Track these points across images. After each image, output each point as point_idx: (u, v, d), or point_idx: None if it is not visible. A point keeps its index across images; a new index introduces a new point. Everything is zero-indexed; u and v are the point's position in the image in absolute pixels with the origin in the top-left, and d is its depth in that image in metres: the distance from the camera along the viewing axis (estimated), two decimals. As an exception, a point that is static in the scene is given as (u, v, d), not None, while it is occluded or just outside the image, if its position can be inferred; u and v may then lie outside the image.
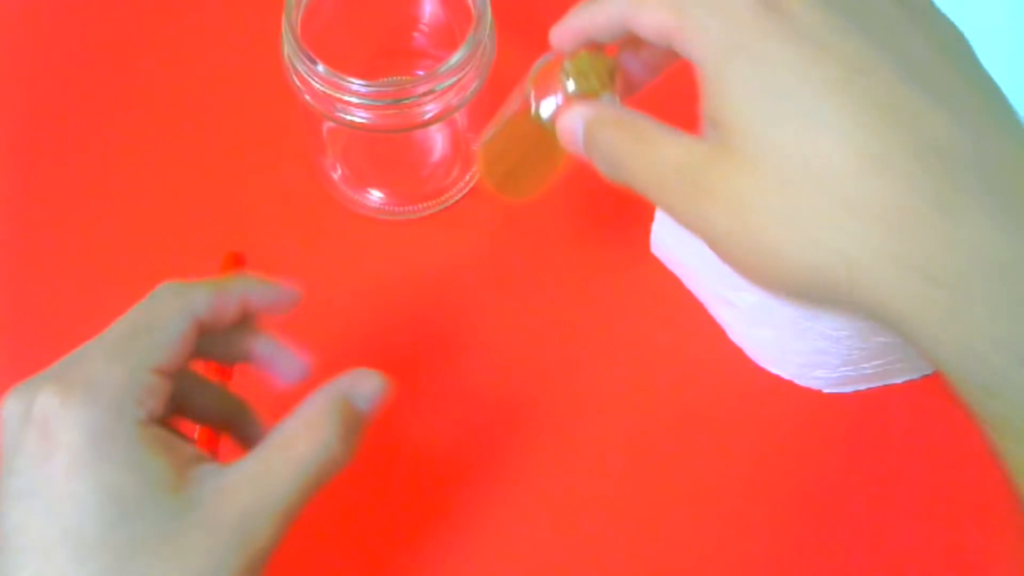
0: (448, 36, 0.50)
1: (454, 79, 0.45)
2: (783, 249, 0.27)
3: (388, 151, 0.55)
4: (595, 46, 0.36)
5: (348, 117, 0.45)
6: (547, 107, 0.38)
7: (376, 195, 0.54)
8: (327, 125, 0.52)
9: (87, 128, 0.56)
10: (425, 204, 0.54)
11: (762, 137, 0.27)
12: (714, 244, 0.29)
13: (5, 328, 0.51)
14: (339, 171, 0.54)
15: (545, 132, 0.38)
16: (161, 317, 0.34)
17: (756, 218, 0.27)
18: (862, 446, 0.49)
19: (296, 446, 0.34)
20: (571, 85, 0.36)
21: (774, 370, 0.50)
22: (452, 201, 0.54)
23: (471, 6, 0.46)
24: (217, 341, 0.37)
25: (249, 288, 0.37)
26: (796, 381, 0.50)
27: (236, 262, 0.52)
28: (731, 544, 0.47)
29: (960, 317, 0.25)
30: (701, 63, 0.29)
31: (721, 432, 0.49)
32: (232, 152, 0.55)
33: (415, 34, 0.54)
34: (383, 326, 0.51)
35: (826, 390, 0.50)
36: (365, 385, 0.36)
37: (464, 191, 0.54)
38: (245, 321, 0.37)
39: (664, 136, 0.31)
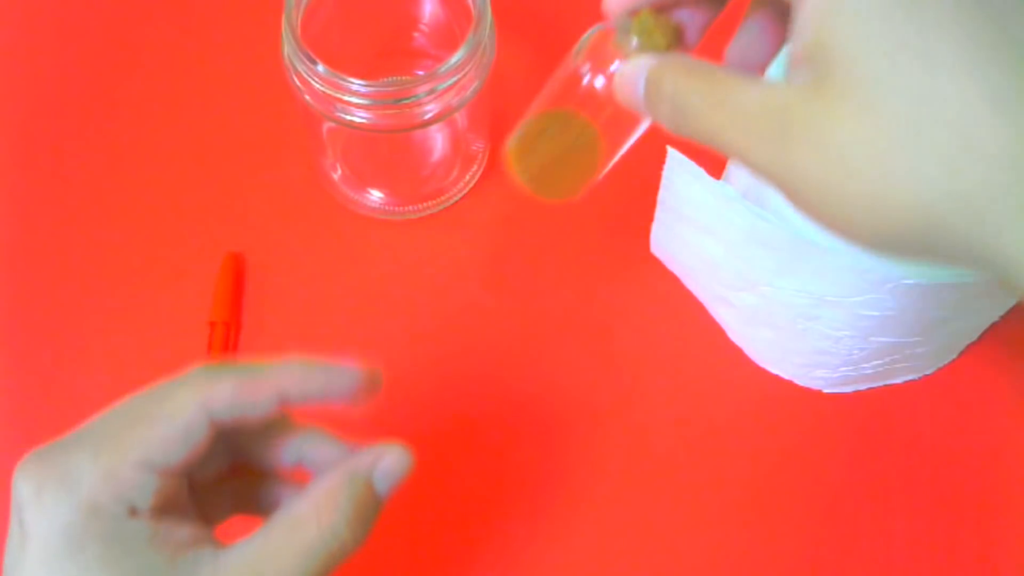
0: (448, 36, 0.50)
1: (454, 79, 0.45)
2: (890, 194, 0.25)
3: (388, 151, 0.55)
4: (654, 8, 0.33)
5: (348, 117, 0.45)
6: (603, 78, 0.35)
7: (376, 195, 0.54)
8: (327, 125, 0.52)
9: (87, 128, 0.56)
10: (425, 204, 0.54)
11: (869, 72, 0.25)
12: (801, 195, 0.27)
13: (5, 328, 0.51)
14: (339, 171, 0.54)
15: (594, 113, 0.36)
16: (169, 409, 0.31)
17: (858, 162, 0.25)
18: (862, 446, 0.49)
19: (303, 530, 0.31)
20: (635, 43, 0.33)
21: (774, 370, 0.50)
22: (452, 201, 0.54)
23: (471, 6, 0.46)
24: (254, 441, 0.33)
25: (288, 378, 0.32)
26: (796, 381, 0.50)
27: (236, 262, 0.52)
28: (731, 543, 0.47)
29: None
30: None
31: (721, 432, 0.49)
32: (232, 152, 0.55)
33: (415, 34, 0.54)
34: (383, 326, 0.51)
35: (826, 390, 0.50)
36: (388, 460, 0.33)
37: (464, 191, 0.54)
38: (286, 419, 0.33)
39: (744, 79, 0.28)
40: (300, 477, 0.34)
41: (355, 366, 0.32)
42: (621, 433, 0.49)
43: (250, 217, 0.54)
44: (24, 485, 0.30)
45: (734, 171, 0.48)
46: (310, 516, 0.31)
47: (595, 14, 0.50)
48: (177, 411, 0.31)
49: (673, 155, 0.43)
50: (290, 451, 0.34)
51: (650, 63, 0.31)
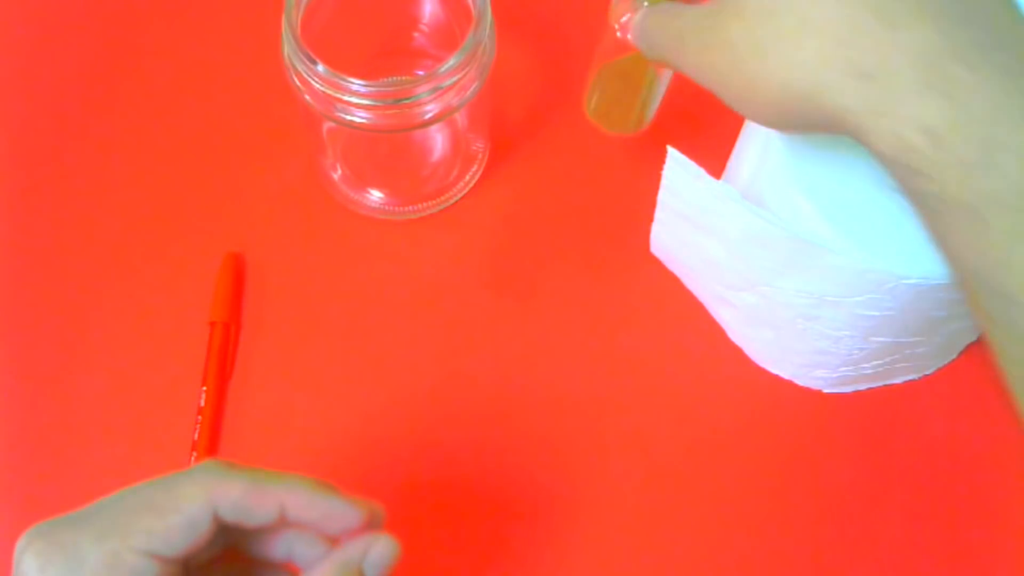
0: (448, 36, 0.50)
1: (454, 79, 0.45)
2: (763, 75, 0.31)
3: (388, 151, 0.55)
4: None
5: (348, 117, 0.45)
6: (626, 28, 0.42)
7: (376, 195, 0.54)
8: (327, 125, 0.52)
9: (87, 128, 0.56)
10: (425, 204, 0.54)
11: None
12: (718, 89, 0.33)
13: (5, 328, 0.52)
14: (339, 171, 0.54)
15: (627, 57, 0.43)
16: (177, 501, 0.32)
17: (742, 54, 0.31)
18: (862, 446, 0.49)
19: None
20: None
21: (774, 370, 0.50)
22: (452, 201, 0.54)
23: (471, 6, 0.46)
24: (248, 533, 0.34)
25: (293, 498, 0.32)
26: (796, 381, 0.50)
27: (236, 262, 0.52)
28: (731, 543, 0.47)
29: (887, 106, 0.28)
30: None
31: (721, 432, 0.49)
32: (232, 152, 0.55)
33: (415, 34, 0.54)
34: (383, 326, 0.51)
35: (826, 390, 0.50)
36: (377, 550, 0.34)
37: (464, 191, 0.54)
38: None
39: (686, 8, 0.35)
40: (291, 568, 0.35)
41: (359, 504, 0.33)
42: (621, 433, 0.49)
43: (250, 217, 0.54)
44: (28, 559, 0.30)
45: (734, 171, 0.48)
46: None
47: (594, 14, 0.50)
48: (184, 504, 0.31)
49: (673, 155, 0.43)
50: (281, 546, 0.34)
51: (643, 10, 0.38)
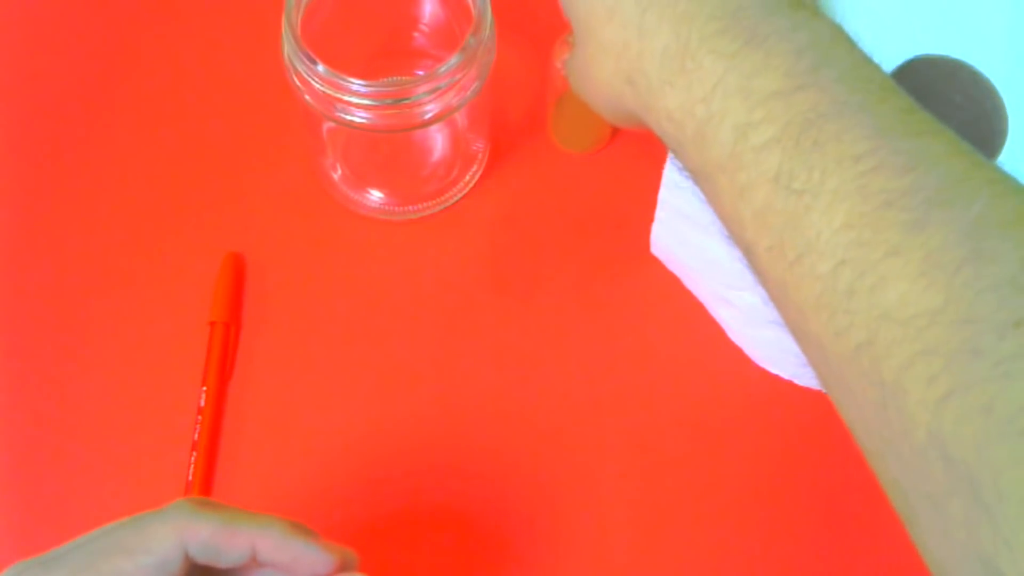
0: (448, 36, 0.50)
1: (454, 79, 0.45)
2: (593, 90, 0.36)
3: (388, 151, 0.55)
4: None
5: (348, 117, 0.45)
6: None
7: (376, 195, 0.54)
8: (327, 125, 0.52)
9: (87, 128, 0.56)
10: (425, 204, 0.54)
11: (587, 26, 0.35)
12: (591, 103, 0.37)
13: (5, 329, 0.52)
14: (339, 171, 0.54)
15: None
16: (148, 542, 0.32)
17: (584, 76, 0.36)
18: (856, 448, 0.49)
19: None
20: (572, 39, 0.45)
21: (774, 370, 0.50)
22: (452, 201, 0.54)
23: (471, 6, 0.46)
24: (217, 571, 0.34)
25: (265, 536, 0.33)
26: (796, 381, 0.50)
27: (236, 262, 0.52)
28: (731, 542, 0.47)
29: (648, 102, 0.33)
30: None
31: (721, 431, 0.49)
32: (232, 152, 0.55)
33: (415, 34, 0.54)
34: (383, 326, 0.51)
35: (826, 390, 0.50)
36: None
37: (464, 191, 0.54)
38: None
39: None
40: None
41: (332, 549, 0.34)
42: (621, 432, 0.49)
43: (250, 217, 0.54)
44: None
45: None
46: None
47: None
48: (155, 545, 0.32)
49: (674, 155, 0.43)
50: None
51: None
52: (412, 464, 0.48)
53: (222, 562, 0.32)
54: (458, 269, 0.53)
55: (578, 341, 0.51)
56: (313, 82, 0.45)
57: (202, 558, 0.32)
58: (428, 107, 0.45)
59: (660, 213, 0.49)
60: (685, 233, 0.48)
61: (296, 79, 0.46)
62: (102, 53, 0.58)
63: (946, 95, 0.43)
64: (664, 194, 0.47)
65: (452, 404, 0.50)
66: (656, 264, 0.52)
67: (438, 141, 0.56)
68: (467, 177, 0.54)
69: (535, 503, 0.47)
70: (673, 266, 0.52)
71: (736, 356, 0.51)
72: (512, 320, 0.51)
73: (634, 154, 0.55)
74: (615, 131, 0.55)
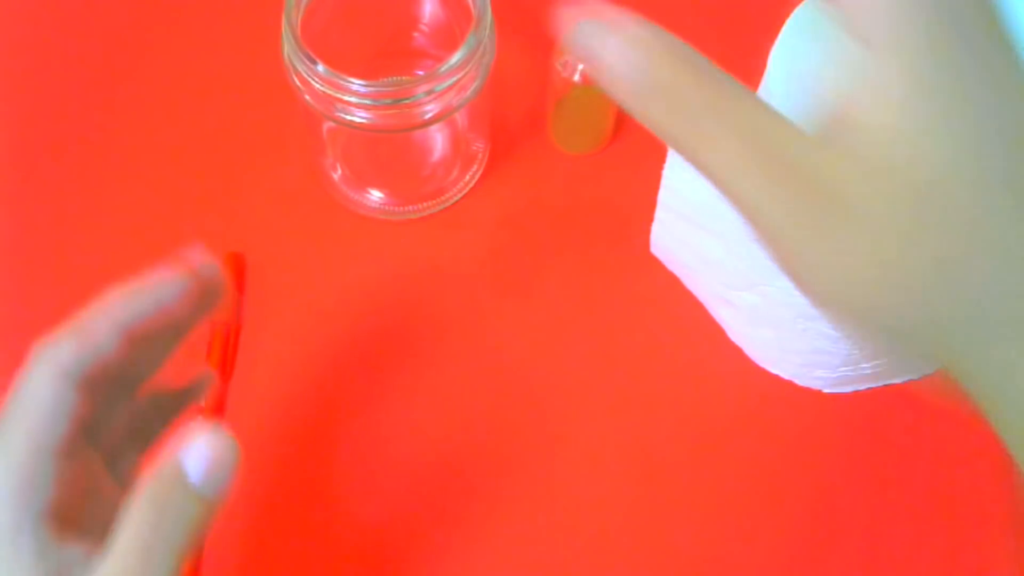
0: (448, 36, 0.50)
1: (454, 79, 0.45)
2: (873, 301, 0.23)
3: (388, 151, 0.55)
4: None
5: (348, 117, 0.45)
6: (569, 69, 0.50)
7: (376, 195, 0.54)
8: (327, 125, 0.52)
9: (87, 128, 0.56)
10: (425, 204, 0.54)
11: (871, 191, 0.22)
12: (783, 248, 0.24)
13: (4, 329, 0.51)
14: (339, 171, 0.54)
15: (572, 93, 0.51)
16: (31, 395, 0.31)
17: (853, 253, 0.23)
18: (862, 446, 0.49)
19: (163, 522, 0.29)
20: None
21: (774, 370, 0.50)
22: (452, 201, 0.54)
23: (471, 6, 0.46)
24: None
25: (116, 309, 0.32)
26: (796, 381, 0.50)
27: (236, 262, 0.52)
28: (730, 543, 0.47)
29: (977, 347, 0.24)
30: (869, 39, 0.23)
31: (721, 431, 0.49)
32: (232, 152, 0.55)
33: (415, 34, 0.54)
34: (383, 326, 0.51)
35: (826, 390, 0.50)
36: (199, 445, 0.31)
37: (464, 191, 0.54)
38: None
39: (746, 93, 0.24)
40: None
41: (177, 271, 0.33)
42: (621, 432, 0.49)
43: (250, 217, 0.54)
44: None
45: None
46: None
47: (595, 14, 0.50)
48: (38, 392, 0.30)
49: (673, 155, 0.43)
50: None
51: (641, 34, 0.25)
52: (412, 464, 0.48)
53: (105, 356, 0.31)
54: (458, 269, 0.53)
55: (578, 341, 0.51)
56: (313, 82, 0.45)
57: (89, 370, 0.31)
58: (428, 107, 0.45)
59: (660, 213, 0.49)
60: (685, 234, 0.48)
61: (296, 79, 0.46)
62: (102, 53, 0.58)
63: None
64: (664, 195, 0.47)
65: (452, 404, 0.50)
66: (656, 264, 0.52)
67: (438, 141, 0.56)
68: (467, 177, 0.54)
69: (535, 503, 0.47)
70: (673, 266, 0.52)
71: (736, 356, 0.51)
72: (512, 320, 0.51)
73: (634, 154, 0.55)
74: (615, 132, 0.55)
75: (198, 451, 0.29)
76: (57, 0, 0.60)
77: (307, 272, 0.52)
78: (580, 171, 0.55)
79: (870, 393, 0.50)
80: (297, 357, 0.51)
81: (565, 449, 0.49)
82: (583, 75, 0.50)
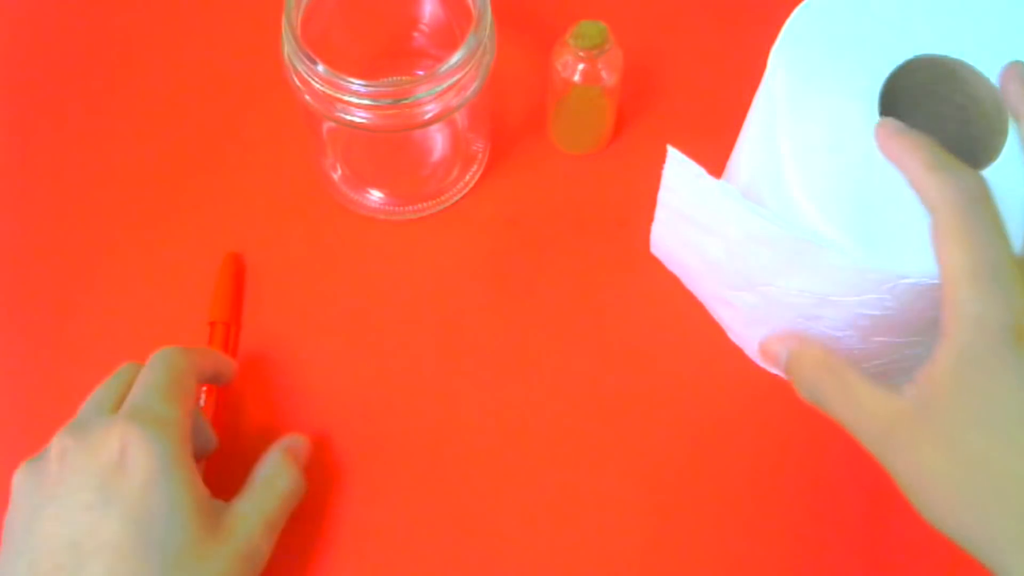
0: (448, 36, 0.50)
1: (454, 79, 0.45)
2: (946, 516, 0.35)
3: (388, 151, 0.55)
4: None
5: (348, 117, 0.45)
6: (569, 69, 0.50)
7: (376, 195, 0.54)
8: (327, 125, 0.52)
9: (87, 128, 0.56)
10: (425, 204, 0.54)
11: (970, 435, 0.33)
12: (898, 481, 0.36)
13: (4, 328, 0.51)
14: (339, 171, 0.54)
15: (572, 93, 0.51)
16: (186, 368, 0.43)
17: (933, 484, 0.35)
18: (858, 450, 0.49)
19: (277, 484, 0.43)
20: (572, 41, 0.48)
21: (775, 369, 0.50)
22: (452, 201, 0.54)
23: (471, 6, 0.46)
24: None
25: (215, 358, 0.46)
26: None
27: (236, 262, 0.52)
28: (731, 543, 0.47)
29: None
30: (953, 336, 0.34)
31: (721, 431, 0.49)
32: (232, 152, 0.55)
33: (415, 34, 0.54)
34: (383, 326, 0.51)
35: None
36: (297, 443, 0.46)
37: (464, 191, 0.54)
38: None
39: (869, 390, 0.37)
40: None
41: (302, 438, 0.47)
42: (621, 432, 0.49)
43: (250, 217, 0.54)
44: (129, 431, 0.39)
45: (734, 170, 0.48)
46: (278, 474, 0.44)
47: (593, 15, 0.50)
48: (191, 369, 0.43)
49: (673, 155, 0.43)
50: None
51: (792, 346, 0.40)
52: (412, 463, 0.48)
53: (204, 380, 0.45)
54: (458, 269, 0.53)
55: (578, 341, 0.51)
56: (313, 82, 0.45)
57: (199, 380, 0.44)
58: (428, 107, 0.45)
59: (660, 213, 0.49)
60: (685, 233, 0.48)
61: (296, 79, 0.46)
62: (102, 54, 0.58)
63: (946, 95, 0.43)
64: (664, 195, 0.47)
65: (452, 404, 0.50)
66: (656, 264, 0.52)
67: (438, 141, 0.56)
68: (467, 177, 0.54)
69: (535, 503, 0.47)
70: (673, 266, 0.52)
71: (736, 355, 0.51)
72: (512, 320, 0.51)
73: (634, 154, 0.55)
74: (615, 132, 0.55)
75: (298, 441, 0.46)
76: (57, 1, 0.60)
77: (307, 272, 0.52)
78: (580, 171, 0.55)
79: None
80: (296, 357, 0.51)
81: (565, 448, 0.49)
82: (583, 75, 0.50)
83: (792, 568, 0.47)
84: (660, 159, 0.46)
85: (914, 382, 0.35)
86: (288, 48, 0.45)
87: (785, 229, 0.40)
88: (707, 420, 0.49)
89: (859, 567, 0.47)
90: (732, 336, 0.51)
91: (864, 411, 0.37)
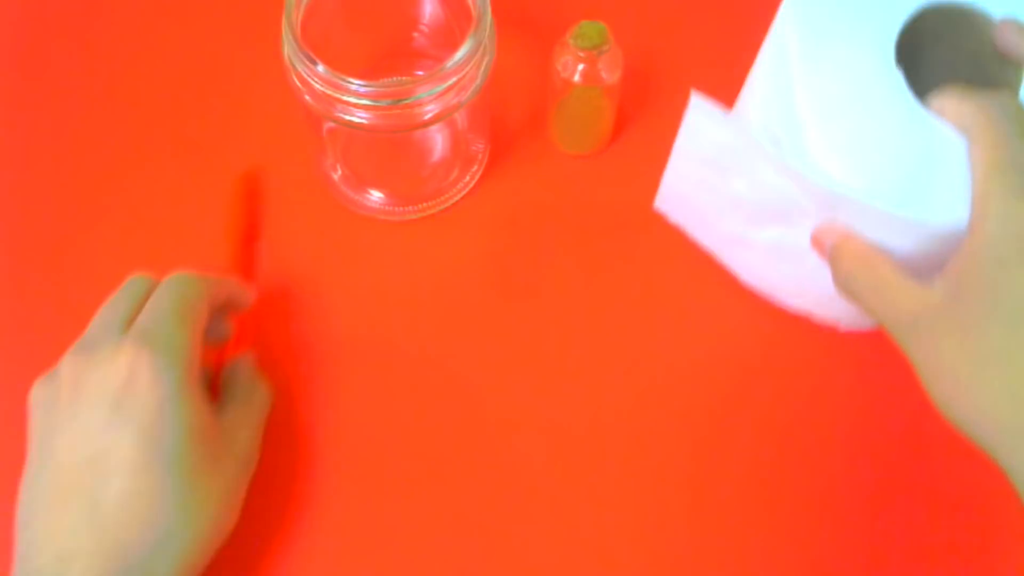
0: (448, 36, 0.50)
1: (454, 79, 0.45)
2: (960, 407, 0.36)
3: (388, 151, 0.55)
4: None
5: (348, 117, 0.45)
6: (569, 69, 0.50)
7: (376, 195, 0.54)
8: (327, 125, 0.52)
9: (87, 128, 0.56)
10: (425, 204, 0.54)
11: (989, 329, 0.35)
12: (918, 371, 0.37)
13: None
14: (339, 171, 0.54)
15: (573, 94, 0.51)
16: (199, 293, 0.44)
17: (952, 375, 0.36)
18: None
19: (254, 399, 0.46)
20: (572, 42, 0.49)
21: (792, 303, 0.50)
22: (452, 201, 0.54)
23: (471, 6, 0.46)
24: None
25: (231, 286, 0.47)
26: (813, 317, 0.50)
27: (251, 181, 0.53)
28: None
29: None
30: (979, 231, 0.36)
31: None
32: (232, 152, 0.55)
33: (415, 34, 0.54)
34: (383, 326, 0.51)
35: (843, 326, 0.49)
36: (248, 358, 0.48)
37: (464, 191, 0.54)
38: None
39: (900, 282, 0.38)
40: None
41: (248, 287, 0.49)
42: (621, 433, 0.49)
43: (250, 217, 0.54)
44: (141, 354, 0.40)
45: (751, 101, 0.47)
46: (255, 389, 0.47)
47: (593, 15, 0.50)
48: (203, 293, 0.44)
49: (696, 101, 0.43)
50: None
51: (835, 238, 0.41)
52: (412, 463, 0.48)
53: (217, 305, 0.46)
54: (458, 269, 0.53)
55: (578, 340, 0.51)
56: (313, 82, 0.45)
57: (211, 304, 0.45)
58: (428, 107, 0.45)
59: (675, 162, 0.47)
60: (702, 178, 0.46)
61: (296, 79, 0.46)
62: (102, 54, 0.58)
63: (957, 42, 0.43)
64: (681, 142, 0.46)
65: (452, 404, 0.50)
66: (656, 263, 0.52)
67: (438, 141, 0.56)
68: (467, 177, 0.54)
69: (536, 502, 0.47)
70: (681, 217, 0.51)
71: (750, 299, 0.51)
72: (512, 320, 0.51)
73: (634, 154, 0.55)
74: (615, 132, 0.55)
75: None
76: (58, 2, 0.60)
77: (307, 272, 0.52)
78: (580, 171, 0.55)
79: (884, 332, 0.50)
80: (297, 356, 0.51)
81: (565, 448, 0.49)
82: (583, 75, 0.50)
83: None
84: (660, 159, 0.46)
85: (943, 275, 0.36)
86: (288, 48, 0.45)
87: (810, 172, 0.40)
88: (709, 415, 0.49)
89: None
90: (745, 279, 0.51)
91: (893, 302, 0.38)
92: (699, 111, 0.43)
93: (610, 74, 0.50)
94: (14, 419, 0.49)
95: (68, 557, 0.38)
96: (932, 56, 0.43)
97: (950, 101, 0.38)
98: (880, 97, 0.40)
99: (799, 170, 0.40)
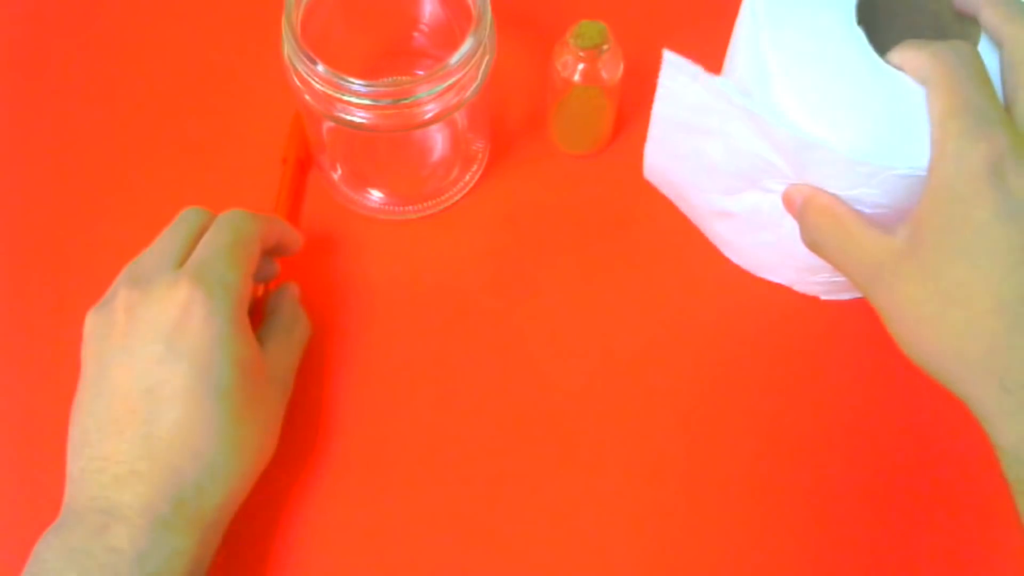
0: (448, 36, 0.50)
1: (454, 79, 0.45)
2: (924, 346, 0.37)
3: (388, 151, 0.55)
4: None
5: (348, 117, 0.45)
6: (569, 69, 0.50)
7: (376, 195, 0.54)
8: (327, 125, 0.52)
9: (87, 128, 0.56)
10: (425, 204, 0.54)
11: (949, 267, 0.36)
12: (884, 318, 0.39)
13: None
14: (339, 171, 0.54)
15: (572, 94, 0.51)
16: (254, 232, 0.46)
17: (915, 316, 0.37)
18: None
19: (295, 330, 0.48)
20: (572, 41, 0.49)
21: (773, 277, 0.50)
22: (452, 201, 0.54)
23: (471, 6, 0.46)
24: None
25: (280, 225, 0.49)
26: (794, 287, 0.50)
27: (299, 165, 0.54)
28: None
29: (1020, 416, 0.35)
30: (936, 172, 0.37)
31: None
32: (232, 152, 0.55)
33: (415, 34, 0.54)
34: (383, 326, 0.51)
35: (823, 296, 0.50)
36: (296, 289, 0.50)
37: (464, 191, 0.54)
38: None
39: (863, 231, 0.39)
40: None
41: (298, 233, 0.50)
42: (622, 434, 0.49)
43: (250, 217, 0.54)
44: (193, 292, 0.42)
45: (729, 68, 0.48)
46: (295, 322, 0.49)
47: (593, 15, 0.50)
48: (256, 235, 0.46)
49: (670, 58, 0.44)
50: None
51: (805, 192, 0.42)
52: (412, 463, 0.48)
53: (266, 249, 0.47)
54: (458, 269, 0.53)
55: (578, 340, 0.51)
56: (313, 82, 0.45)
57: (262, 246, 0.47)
58: (428, 107, 0.45)
59: (653, 130, 0.48)
60: (681, 144, 0.47)
61: (296, 79, 0.46)
62: (101, 53, 0.58)
63: (921, 4, 0.44)
64: (658, 107, 0.46)
65: (451, 404, 0.50)
66: (656, 262, 0.53)
67: (438, 141, 0.56)
68: (467, 177, 0.54)
69: (535, 499, 0.47)
70: (667, 187, 0.52)
71: (733, 270, 0.51)
72: (512, 320, 0.51)
73: (634, 154, 0.55)
74: (615, 132, 0.55)
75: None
76: (59, 2, 0.60)
77: (307, 272, 0.52)
78: (580, 171, 0.55)
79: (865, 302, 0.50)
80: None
81: (566, 449, 0.49)
82: (583, 75, 0.50)
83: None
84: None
85: (905, 222, 0.38)
86: (288, 48, 0.45)
87: (783, 123, 0.41)
88: (709, 414, 0.49)
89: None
90: (727, 252, 0.51)
91: (858, 251, 0.39)
92: (673, 68, 0.44)
93: (610, 74, 0.50)
94: (14, 419, 0.49)
95: (124, 480, 0.40)
96: (900, 20, 0.44)
97: (908, 52, 0.40)
98: (842, 53, 0.41)
99: (768, 119, 0.41)
